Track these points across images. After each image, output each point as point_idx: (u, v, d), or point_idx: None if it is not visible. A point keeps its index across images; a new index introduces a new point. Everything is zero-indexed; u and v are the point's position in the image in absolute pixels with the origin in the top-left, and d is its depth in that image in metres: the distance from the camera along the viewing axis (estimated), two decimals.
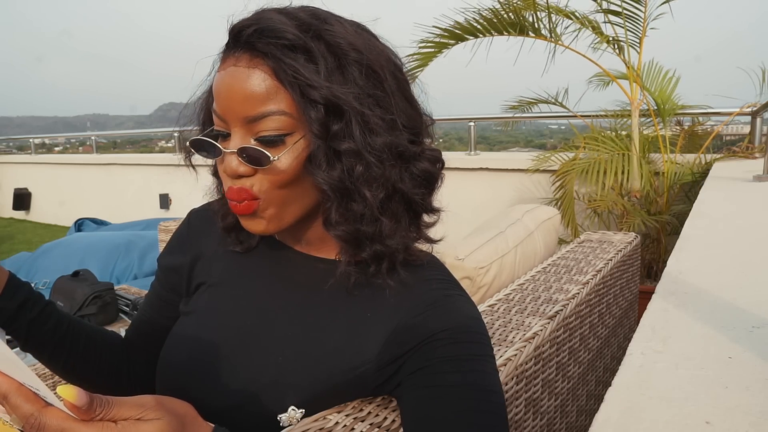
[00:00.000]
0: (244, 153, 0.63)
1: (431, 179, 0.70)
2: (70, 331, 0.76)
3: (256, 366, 0.69)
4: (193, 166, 0.74)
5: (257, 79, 0.61)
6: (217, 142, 0.65)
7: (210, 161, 0.72)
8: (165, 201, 6.22)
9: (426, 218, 0.72)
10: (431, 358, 0.64)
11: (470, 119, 4.28)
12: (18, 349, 0.84)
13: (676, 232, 2.77)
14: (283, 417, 0.65)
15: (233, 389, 0.68)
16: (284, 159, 0.63)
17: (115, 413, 0.43)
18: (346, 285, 0.70)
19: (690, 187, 2.94)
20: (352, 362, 0.68)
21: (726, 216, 1.77)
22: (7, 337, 0.70)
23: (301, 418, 0.65)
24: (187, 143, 0.68)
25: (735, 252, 1.29)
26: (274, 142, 0.62)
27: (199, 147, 0.67)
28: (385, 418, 0.66)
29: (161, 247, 2.59)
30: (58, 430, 0.41)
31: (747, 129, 3.45)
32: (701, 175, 2.56)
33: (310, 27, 0.62)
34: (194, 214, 0.85)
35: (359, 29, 0.67)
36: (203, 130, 0.71)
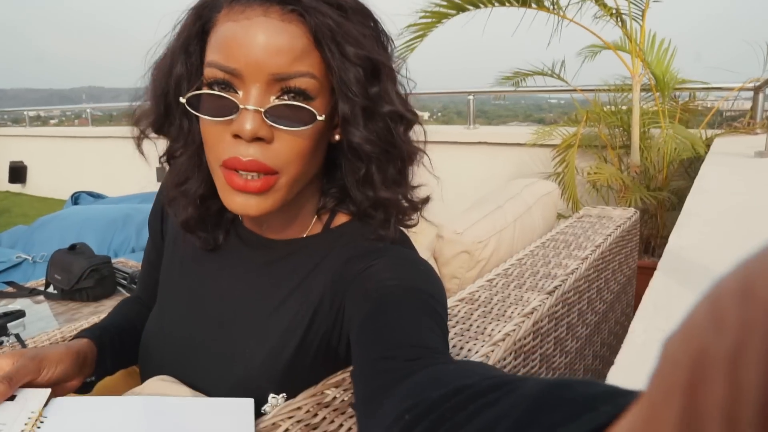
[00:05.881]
0: (273, 113, 0.56)
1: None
2: (128, 342, 0.79)
3: (226, 362, 0.67)
4: (142, 152, 0.75)
5: (292, 35, 0.55)
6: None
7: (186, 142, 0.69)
8: (162, 174, 6.17)
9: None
10: (370, 279, 0.60)
11: (469, 93, 4.22)
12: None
13: (674, 207, 2.76)
14: (266, 408, 0.64)
15: (208, 388, 0.67)
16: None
17: None
18: (300, 259, 0.68)
19: (690, 163, 2.91)
20: (311, 331, 0.65)
21: (727, 192, 1.75)
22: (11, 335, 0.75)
23: (286, 400, 0.64)
24: (182, 99, 0.58)
25: (736, 228, 1.28)
26: (299, 105, 0.57)
27: (197, 104, 0.58)
28: None
29: None
30: None
31: (748, 104, 3.41)
32: (702, 150, 2.54)
33: None
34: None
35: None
36: (188, 84, 0.61)
